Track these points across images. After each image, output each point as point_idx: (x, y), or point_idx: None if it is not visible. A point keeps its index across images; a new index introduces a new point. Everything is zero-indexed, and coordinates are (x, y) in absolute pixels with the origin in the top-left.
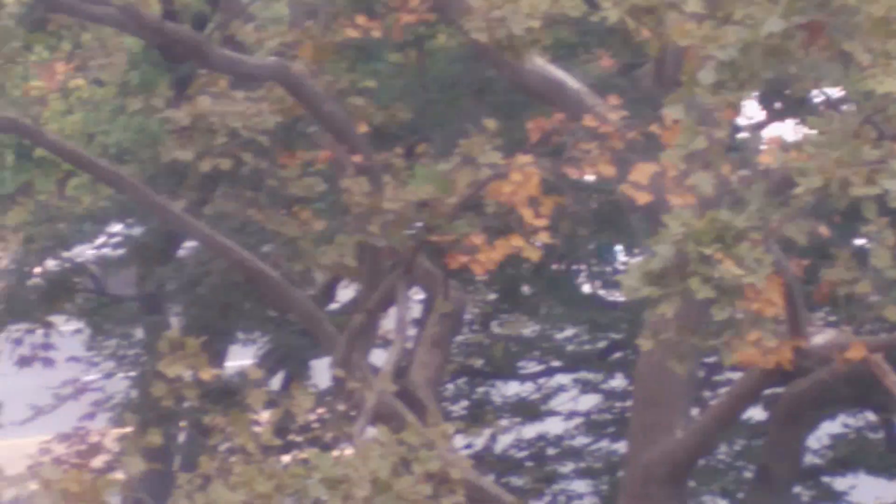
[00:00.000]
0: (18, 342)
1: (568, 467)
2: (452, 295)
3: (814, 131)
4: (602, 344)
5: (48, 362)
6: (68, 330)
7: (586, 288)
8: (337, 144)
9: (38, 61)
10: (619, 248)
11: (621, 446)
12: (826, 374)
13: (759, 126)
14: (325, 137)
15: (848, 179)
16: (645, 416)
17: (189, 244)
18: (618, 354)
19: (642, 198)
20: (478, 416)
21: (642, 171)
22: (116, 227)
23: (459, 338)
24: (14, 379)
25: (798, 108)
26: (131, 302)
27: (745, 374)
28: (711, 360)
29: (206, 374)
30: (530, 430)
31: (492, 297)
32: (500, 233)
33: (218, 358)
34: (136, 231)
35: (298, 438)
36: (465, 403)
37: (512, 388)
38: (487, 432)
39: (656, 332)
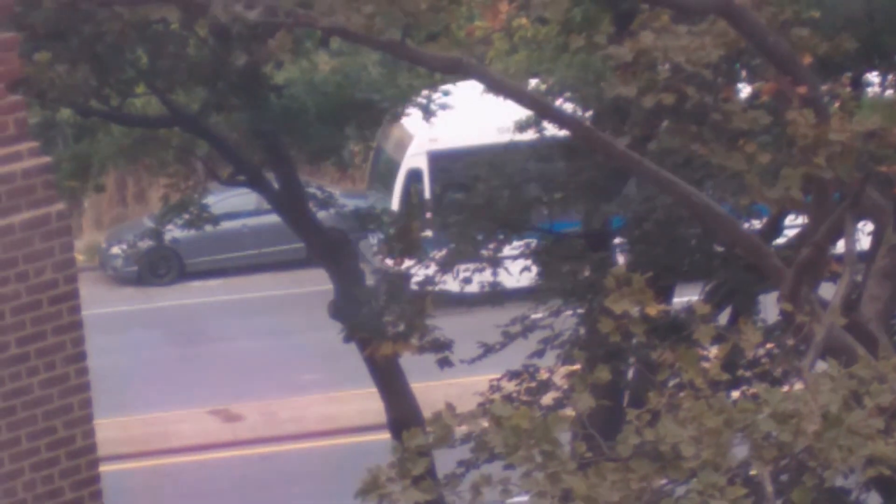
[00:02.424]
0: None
1: None
2: None
3: None
4: None
5: (497, 300)
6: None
7: None
8: (781, 76)
9: (482, 1)
10: None
11: None
12: None
13: None
14: (770, 69)
15: None
16: None
17: (634, 180)
18: None
19: None
20: None
21: None
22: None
23: None
24: (464, 317)
25: None
26: (577, 239)
27: None
28: None
29: (653, 310)
30: None
31: None
32: None
33: (665, 293)
34: (582, 168)
35: (747, 373)
36: None
37: None
38: None
39: None
